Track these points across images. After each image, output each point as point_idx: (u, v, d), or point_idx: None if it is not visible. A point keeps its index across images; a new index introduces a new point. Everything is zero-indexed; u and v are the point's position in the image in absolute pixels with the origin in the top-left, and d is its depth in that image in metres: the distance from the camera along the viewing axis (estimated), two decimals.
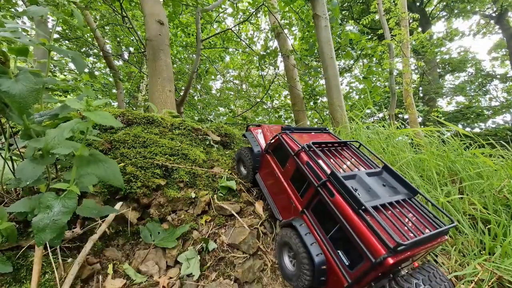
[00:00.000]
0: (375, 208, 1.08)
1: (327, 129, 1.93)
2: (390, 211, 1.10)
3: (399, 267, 1.06)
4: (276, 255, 1.48)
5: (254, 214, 1.82)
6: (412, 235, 1.01)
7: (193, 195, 1.78)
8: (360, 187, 1.22)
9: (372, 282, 1.02)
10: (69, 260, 1.22)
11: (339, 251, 1.11)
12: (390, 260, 0.92)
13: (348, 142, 1.65)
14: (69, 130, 0.90)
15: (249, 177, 1.99)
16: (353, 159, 1.51)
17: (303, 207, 1.35)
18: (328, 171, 1.24)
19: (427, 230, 1.08)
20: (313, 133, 1.85)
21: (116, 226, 1.49)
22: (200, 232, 1.60)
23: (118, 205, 1.52)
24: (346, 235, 1.07)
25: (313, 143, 1.44)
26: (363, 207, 1.03)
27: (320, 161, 1.33)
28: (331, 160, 1.44)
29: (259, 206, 1.86)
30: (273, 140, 1.73)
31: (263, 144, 1.93)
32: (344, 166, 1.40)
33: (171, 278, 1.32)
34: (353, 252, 1.05)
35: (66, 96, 7.68)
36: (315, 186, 1.26)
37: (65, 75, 8.99)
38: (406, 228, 1.05)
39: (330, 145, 1.58)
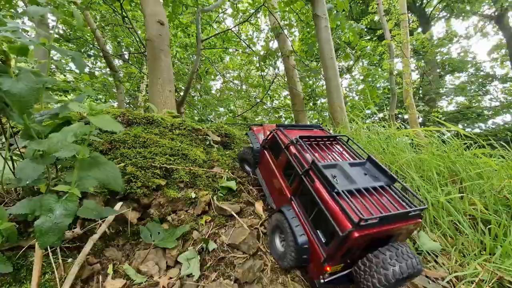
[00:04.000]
0: (350, 192, 1.18)
1: (320, 125, 2.01)
2: (364, 195, 1.20)
3: (371, 244, 1.12)
4: (268, 237, 1.58)
5: (254, 214, 1.82)
6: (380, 214, 1.09)
7: (193, 195, 1.78)
8: (340, 175, 1.33)
9: (345, 257, 1.13)
10: (69, 260, 1.22)
11: (318, 231, 1.22)
12: (356, 234, 1.01)
13: (337, 137, 1.74)
14: (72, 135, 0.90)
15: (252, 170, 2.07)
16: (338, 152, 1.61)
17: (291, 194, 1.46)
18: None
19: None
20: (306, 129, 1.95)
21: (116, 226, 1.49)
22: (200, 232, 1.60)
23: (118, 205, 1.52)
24: (323, 216, 1.17)
25: (302, 137, 1.56)
26: (336, 190, 1.15)
27: (306, 153, 1.43)
28: (318, 153, 1.53)
29: (259, 206, 1.86)
30: (269, 137, 1.83)
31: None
32: (329, 158, 1.51)
33: (171, 278, 1.31)
34: (328, 230, 1.15)
35: (66, 96, 7.67)
36: (299, 174, 1.37)
37: (64, 75, 8.99)
38: (376, 208, 1.13)
39: (319, 139, 1.67)
